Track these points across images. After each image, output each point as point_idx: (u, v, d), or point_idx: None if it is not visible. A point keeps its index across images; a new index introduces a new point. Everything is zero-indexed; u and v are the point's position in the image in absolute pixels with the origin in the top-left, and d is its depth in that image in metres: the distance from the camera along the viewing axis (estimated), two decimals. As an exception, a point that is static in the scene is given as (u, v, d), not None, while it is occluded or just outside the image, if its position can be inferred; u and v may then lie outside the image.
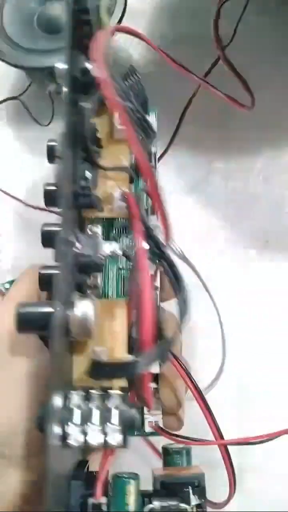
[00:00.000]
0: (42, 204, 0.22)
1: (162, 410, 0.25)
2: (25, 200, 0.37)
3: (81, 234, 0.22)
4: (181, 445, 0.25)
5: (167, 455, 0.25)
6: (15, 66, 0.37)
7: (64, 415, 0.19)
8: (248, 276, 0.37)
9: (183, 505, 0.20)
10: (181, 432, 0.25)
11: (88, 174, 0.23)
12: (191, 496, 0.21)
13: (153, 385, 0.25)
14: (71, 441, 0.19)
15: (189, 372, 0.23)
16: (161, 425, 0.25)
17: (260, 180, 0.40)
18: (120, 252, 0.22)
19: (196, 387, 0.23)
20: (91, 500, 0.20)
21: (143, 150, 0.18)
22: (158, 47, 0.27)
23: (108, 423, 0.19)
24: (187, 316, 0.19)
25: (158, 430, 0.24)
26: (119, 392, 0.20)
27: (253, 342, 0.34)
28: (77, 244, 0.21)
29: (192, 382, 0.23)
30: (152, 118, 0.30)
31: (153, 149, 0.29)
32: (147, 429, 0.25)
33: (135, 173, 0.29)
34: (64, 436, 0.19)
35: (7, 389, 0.22)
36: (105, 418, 0.19)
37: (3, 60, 0.37)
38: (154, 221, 0.27)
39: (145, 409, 0.25)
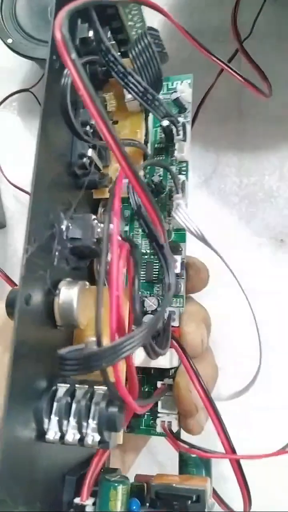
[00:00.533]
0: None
1: (178, 411, 0.23)
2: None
3: (74, 216, 0.20)
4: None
5: (181, 461, 0.22)
6: (28, 57, 0.37)
7: (45, 408, 0.18)
8: (262, 277, 0.34)
9: (170, 521, 0.18)
10: (197, 439, 0.22)
11: (90, 152, 0.22)
12: (189, 510, 0.18)
13: (166, 380, 0.23)
14: (49, 435, 0.18)
15: (198, 374, 0.20)
16: (176, 427, 0.23)
17: (276, 177, 0.36)
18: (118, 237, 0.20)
19: (206, 393, 0.20)
20: (76, 500, 0.19)
21: (102, 113, 0.15)
22: (179, 24, 0.24)
23: (88, 421, 0.18)
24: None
25: (167, 433, 0.22)
26: (102, 388, 0.18)
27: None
28: (63, 227, 0.20)
29: (202, 386, 0.20)
30: (183, 86, 0.27)
31: (181, 119, 0.26)
32: (158, 429, 0.22)
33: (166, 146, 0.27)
34: (43, 430, 0.18)
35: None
36: (85, 416, 0.18)
37: (15, 51, 0.37)
38: (178, 199, 0.25)
39: (159, 407, 0.23)
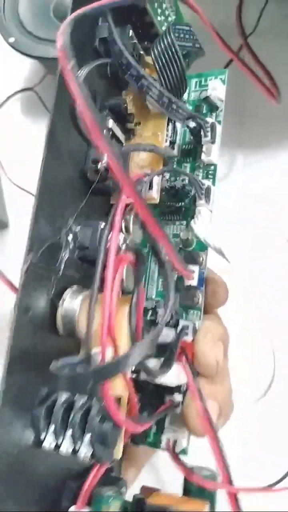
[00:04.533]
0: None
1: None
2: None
3: (83, 223, 0.20)
4: (207, 473, 0.21)
5: (186, 482, 0.21)
6: (30, 56, 0.36)
7: (44, 416, 0.18)
8: (267, 277, 0.32)
9: None
10: (206, 459, 0.21)
11: (105, 157, 0.21)
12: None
13: (176, 396, 0.22)
14: (45, 444, 0.18)
15: (202, 397, 0.19)
16: (183, 445, 0.22)
17: (281, 177, 0.35)
18: (123, 246, 0.19)
19: (208, 419, 0.19)
20: (72, 509, 0.19)
21: (97, 124, 0.14)
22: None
23: (82, 434, 0.18)
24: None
25: (171, 453, 0.21)
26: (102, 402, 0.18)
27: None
28: (71, 235, 0.19)
29: (205, 411, 0.19)
30: (216, 83, 0.25)
31: (210, 120, 0.24)
32: (163, 446, 0.22)
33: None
34: (40, 438, 0.18)
35: None
36: (80, 429, 0.18)
37: (17, 50, 0.36)
38: (201, 205, 0.24)
39: (167, 422, 0.22)
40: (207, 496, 0.20)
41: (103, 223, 0.20)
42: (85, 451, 0.18)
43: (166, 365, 0.19)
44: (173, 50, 0.21)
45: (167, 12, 0.25)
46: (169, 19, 0.25)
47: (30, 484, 0.18)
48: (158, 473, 0.29)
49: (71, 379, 0.15)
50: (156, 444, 0.23)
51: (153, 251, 0.18)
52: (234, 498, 0.18)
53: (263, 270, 0.33)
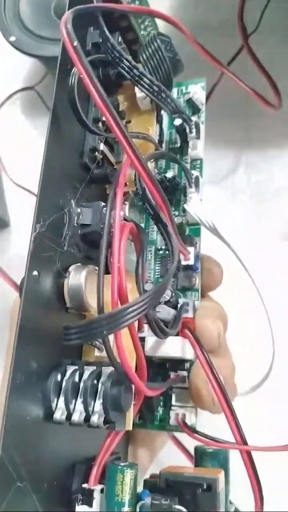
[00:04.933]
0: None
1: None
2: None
3: (84, 204, 0.21)
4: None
5: (197, 455, 0.21)
6: (31, 55, 0.36)
7: (53, 388, 0.18)
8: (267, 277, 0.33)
9: (178, 507, 0.17)
10: (211, 430, 0.21)
11: (101, 146, 0.23)
12: (199, 499, 0.17)
13: (181, 372, 0.22)
14: (57, 415, 0.18)
15: (212, 365, 0.20)
16: (191, 420, 0.22)
17: (284, 174, 0.36)
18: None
19: (220, 385, 0.19)
20: (84, 485, 0.19)
21: (103, 98, 0.16)
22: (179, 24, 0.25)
23: (94, 401, 0.18)
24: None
25: (182, 427, 0.21)
26: (110, 369, 0.18)
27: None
28: (74, 214, 0.20)
29: (215, 378, 0.19)
30: (196, 89, 0.28)
31: (193, 119, 0.26)
32: (172, 422, 0.22)
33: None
34: (51, 410, 0.18)
35: None
36: (92, 395, 0.18)
37: (18, 49, 0.36)
38: (191, 193, 0.25)
39: (173, 400, 0.22)
40: (221, 466, 0.20)
41: (103, 203, 0.21)
42: (97, 417, 0.18)
43: (174, 326, 0.20)
44: (160, 53, 0.23)
45: (148, 29, 0.28)
46: (150, 35, 0.28)
47: (41, 459, 0.18)
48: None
49: (85, 327, 0.15)
50: (164, 425, 0.23)
51: (155, 216, 0.19)
52: (248, 457, 0.18)
53: (263, 270, 0.34)
